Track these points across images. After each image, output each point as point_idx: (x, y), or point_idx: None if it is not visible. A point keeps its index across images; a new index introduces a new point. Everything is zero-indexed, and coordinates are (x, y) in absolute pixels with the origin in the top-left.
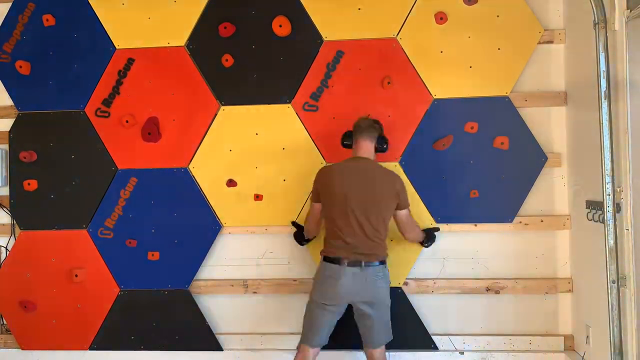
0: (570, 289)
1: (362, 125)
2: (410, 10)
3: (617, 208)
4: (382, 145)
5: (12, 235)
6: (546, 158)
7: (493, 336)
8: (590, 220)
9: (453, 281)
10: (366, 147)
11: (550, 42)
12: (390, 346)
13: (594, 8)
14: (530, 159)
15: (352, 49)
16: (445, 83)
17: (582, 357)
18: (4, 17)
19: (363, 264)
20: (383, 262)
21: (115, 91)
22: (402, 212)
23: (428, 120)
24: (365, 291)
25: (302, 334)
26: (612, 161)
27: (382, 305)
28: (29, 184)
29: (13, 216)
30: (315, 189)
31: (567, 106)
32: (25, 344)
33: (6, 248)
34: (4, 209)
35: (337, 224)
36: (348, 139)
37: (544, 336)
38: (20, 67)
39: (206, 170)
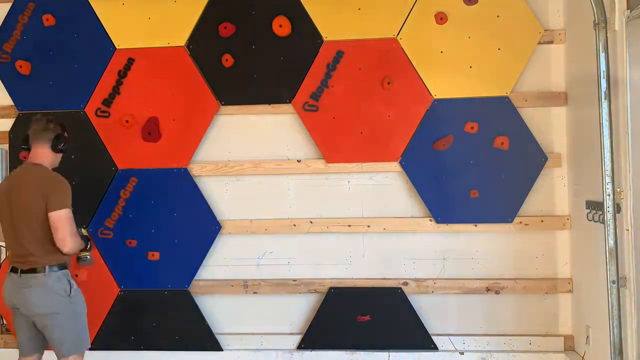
0: (570, 289)
1: (35, 129)
2: (410, 10)
3: (617, 208)
4: (57, 144)
5: None
6: (546, 158)
7: (493, 336)
8: (590, 220)
9: (453, 281)
10: (38, 153)
11: (550, 42)
12: (390, 346)
13: (594, 8)
14: (530, 159)
15: (352, 49)
16: (445, 83)
17: (582, 357)
18: (4, 17)
19: (19, 271)
20: (42, 271)
21: (115, 91)
22: (51, 214)
23: (428, 120)
24: (18, 296)
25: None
26: (612, 161)
27: (52, 315)
28: None
29: None
30: None
31: (567, 106)
32: None
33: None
34: None
35: (5, 233)
36: (25, 143)
37: (544, 336)
38: (20, 67)
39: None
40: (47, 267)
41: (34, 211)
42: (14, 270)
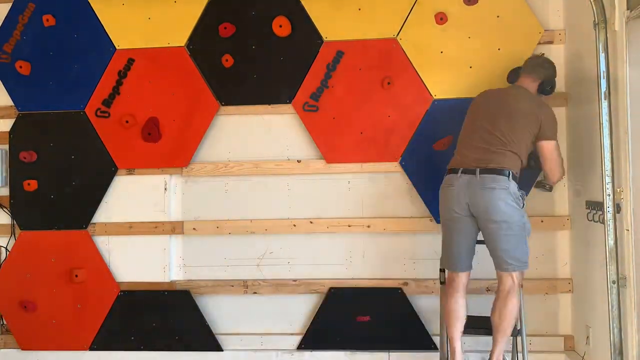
0: (570, 289)
1: (528, 63)
2: (410, 10)
3: (617, 208)
4: (546, 87)
5: (12, 235)
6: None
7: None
8: (590, 220)
9: None
10: (525, 82)
11: (550, 42)
12: (390, 346)
13: (594, 8)
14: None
15: (352, 49)
16: (445, 83)
17: (582, 357)
18: (4, 17)
19: (478, 171)
20: (505, 174)
21: (115, 91)
22: (542, 144)
23: (428, 120)
24: (476, 197)
25: (442, 257)
26: (612, 161)
27: (505, 222)
28: (29, 184)
29: (13, 216)
30: (467, 113)
31: (567, 106)
32: (25, 344)
33: (6, 248)
34: (4, 209)
35: (465, 135)
36: (514, 75)
37: (544, 336)
38: (20, 67)
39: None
40: (511, 172)
41: (529, 122)
42: (467, 171)
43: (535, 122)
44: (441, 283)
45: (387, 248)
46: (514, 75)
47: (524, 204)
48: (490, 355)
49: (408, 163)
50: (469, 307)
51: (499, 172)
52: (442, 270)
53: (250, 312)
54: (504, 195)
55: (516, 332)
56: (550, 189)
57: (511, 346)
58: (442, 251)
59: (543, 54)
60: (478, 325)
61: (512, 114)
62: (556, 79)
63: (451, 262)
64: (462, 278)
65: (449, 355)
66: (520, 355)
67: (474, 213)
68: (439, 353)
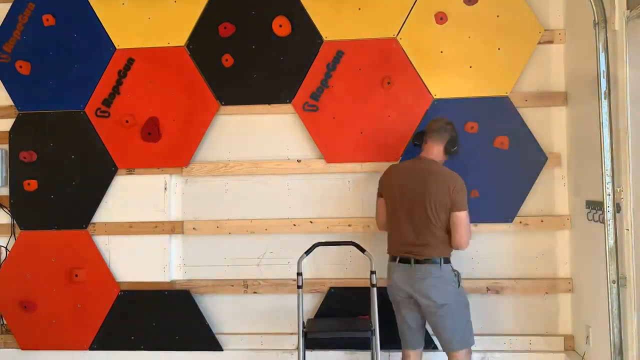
0: (570, 289)
1: (433, 127)
2: (410, 10)
3: (617, 208)
4: (451, 149)
5: (12, 235)
6: (546, 158)
7: (493, 336)
8: (590, 220)
9: None
10: (432, 149)
11: (550, 42)
12: (390, 346)
13: (594, 8)
14: (530, 159)
15: (352, 49)
16: (445, 83)
17: (582, 357)
18: (4, 17)
19: (412, 260)
20: (437, 262)
21: (115, 91)
22: (455, 215)
23: (428, 120)
24: (414, 287)
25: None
26: (612, 161)
27: (443, 306)
28: (29, 184)
29: (13, 216)
30: (379, 186)
31: (567, 106)
32: (25, 344)
33: (6, 248)
34: (4, 209)
35: (392, 222)
36: (418, 139)
37: (544, 336)
38: (20, 67)
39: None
40: (441, 258)
41: (441, 204)
42: (402, 260)
43: (448, 199)
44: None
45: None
46: (419, 139)
47: (459, 284)
48: None
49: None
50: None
51: (431, 262)
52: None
53: (250, 311)
54: (439, 282)
55: (370, 332)
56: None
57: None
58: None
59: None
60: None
61: (428, 200)
62: (458, 139)
63: (403, 339)
64: (416, 356)
65: None
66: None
67: (416, 299)
68: (439, 353)
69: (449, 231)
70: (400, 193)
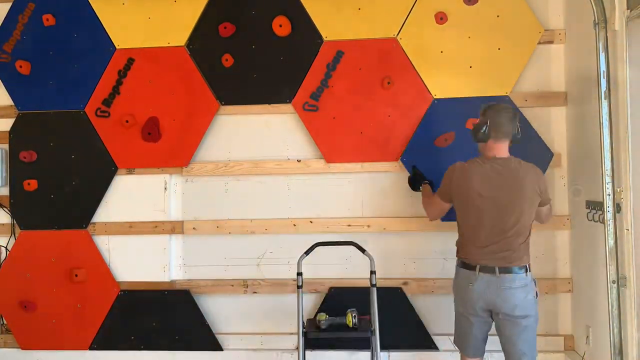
0: (570, 289)
1: (499, 127)
2: (410, 10)
3: (617, 208)
4: (518, 135)
5: (12, 235)
6: (552, 154)
7: (493, 336)
8: (590, 220)
9: None
10: (504, 148)
11: (550, 42)
12: (390, 346)
13: (594, 8)
14: (536, 156)
15: (352, 49)
16: (445, 83)
17: (582, 357)
18: (4, 17)
19: (497, 270)
20: (523, 270)
21: (115, 91)
22: (543, 208)
23: (428, 120)
24: (499, 297)
25: (455, 338)
26: (612, 161)
27: (523, 317)
28: (29, 184)
29: (13, 216)
30: (447, 188)
31: (567, 106)
32: (25, 344)
33: (6, 248)
34: (4, 209)
35: (471, 230)
36: (482, 135)
37: (544, 336)
38: (20, 67)
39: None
40: (527, 266)
41: (534, 204)
42: (485, 269)
43: (538, 199)
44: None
45: (387, 247)
46: (484, 136)
47: (537, 293)
48: None
49: (409, 161)
50: None
51: (517, 270)
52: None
53: (250, 311)
54: (524, 293)
55: (370, 332)
56: None
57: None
58: (456, 334)
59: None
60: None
61: (521, 205)
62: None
63: (468, 349)
64: None
65: None
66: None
67: (495, 311)
68: (439, 353)
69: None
70: (485, 198)
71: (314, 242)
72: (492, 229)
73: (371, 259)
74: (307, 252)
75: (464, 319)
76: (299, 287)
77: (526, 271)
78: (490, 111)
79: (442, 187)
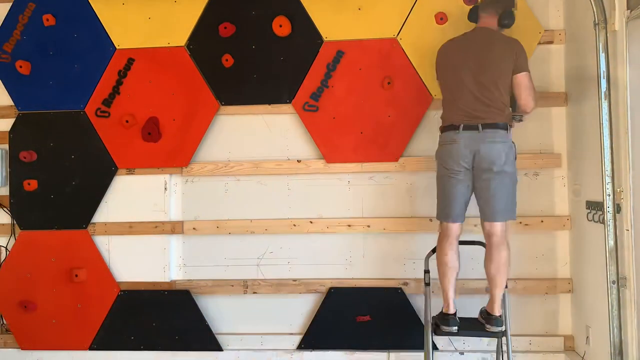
0: (570, 289)
1: (487, 0)
2: (410, 10)
3: (617, 208)
4: (504, 20)
5: (12, 235)
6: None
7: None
8: (590, 220)
9: None
10: (487, 21)
11: (550, 42)
12: (390, 346)
13: (594, 8)
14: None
15: (352, 49)
16: None
17: (582, 357)
18: (4, 17)
19: (480, 126)
20: (504, 128)
21: (115, 91)
22: (518, 77)
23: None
24: (481, 150)
25: (438, 211)
26: (612, 161)
27: (501, 173)
28: (29, 184)
29: (13, 216)
30: (436, 67)
31: (567, 106)
32: (25, 344)
33: (6, 248)
34: (4, 209)
35: (452, 94)
36: (473, 14)
37: (544, 336)
38: (20, 67)
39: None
40: (507, 125)
41: (507, 68)
42: (468, 127)
43: (511, 62)
44: (426, 284)
45: (387, 248)
46: (474, 14)
47: (515, 156)
48: (492, 309)
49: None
50: (467, 309)
51: (500, 126)
52: (426, 272)
53: (250, 312)
54: (506, 148)
55: (501, 334)
56: (521, 120)
57: (496, 347)
58: (439, 205)
59: None
60: (471, 328)
61: (492, 66)
62: (514, 10)
63: (451, 213)
64: (457, 229)
65: (443, 306)
66: (505, 355)
67: (475, 166)
68: (438, 353)
69: (508, 104)
70: (462, 62)
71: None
72: (470, 91)
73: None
74: (434, 251)
75: (448, 180)
76: (426, 284)
77: (507, 130)
78: None
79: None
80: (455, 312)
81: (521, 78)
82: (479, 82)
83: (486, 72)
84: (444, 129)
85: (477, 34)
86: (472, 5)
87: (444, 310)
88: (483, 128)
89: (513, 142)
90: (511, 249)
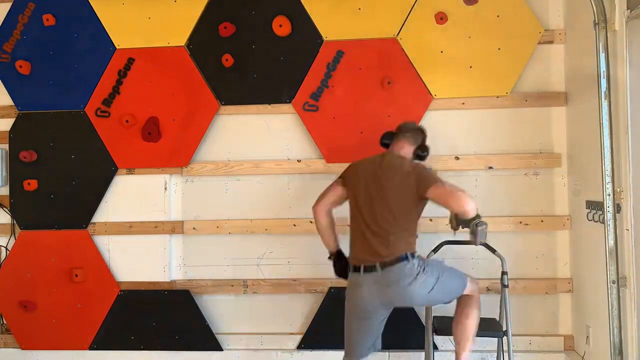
0: (570, 289)
1: (407, 127)
2: (410, 10)
3: (617, 208)
4: (421, 153)
5: (12, 235)
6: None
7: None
8: (590, 220)
9: None
10: (403, 147)
11: (550, 42)
12: (391, 346)
13: (594, 8)
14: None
15: (352, 49)
16: (445, 83)
17: (582, 357)
18: (4, 17)
19: (378, 266)
20: (407, 259)
21: (115, 91)
22: (429, 193)
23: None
24: (391, 295)
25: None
26: (612, 161)
27: (427, 297)
28: (29, 184)
29: (13, 216)
30: (343, 176)
31: (567, 106)
32: (25, 344)
33: (6, 248)
34: (4, 209)
35: (353, 230)
36: (388, 138)
37: (544, 336)
38: (20, 67)
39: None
40: (407, 254)
41: (409, 193)
42: (368, 268)
43: (412, 186)
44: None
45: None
46: (388, 138)
47: (425, 267)
48: None
49: None
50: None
51: (397, 260)
52: None
53: (250, 312)
54: (411, 281)
55: (502, 334)
56: (480, 239)
57: (497, 347)
58: (345, 337)
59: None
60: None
61: (394, 192)
62: (428, 147)
63: (355, 351)
64: None
65: None
66: (506, 355)
67: (390, 305)
68: (438, 352)
69: (416, 223)
70: (362, 194)
71: (441, 242)
72: (369, 223)
73: (502, 260)
74: (434, 251)
75: (353, 323)
76: None
77: (407, 259)
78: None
79: (341, 176)
80: None
81: (433, 192)
82: (377, 218)
83: (385, 207)
84: (352, 267)
85: (378, 163)
86: (471, 5)
87: None
88: (382, 268)
89: (421, 258)
90: (512, 249)
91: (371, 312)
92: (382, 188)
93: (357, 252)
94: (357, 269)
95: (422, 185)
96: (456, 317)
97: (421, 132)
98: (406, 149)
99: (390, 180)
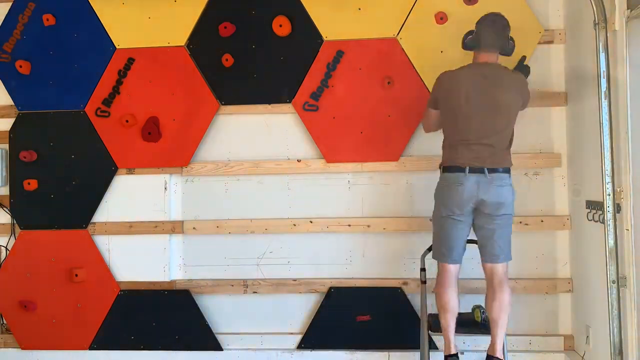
0: (570, 289)
1: (487, 36)
2: (410, 10)
3: (617, 208)
4: (506, 50)
5: (12, 235)
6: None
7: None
8: (590, 220)
9: None
10: (492, 56)
11: (550, 42)
12: (391, 346)
13: (594, 8)
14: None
15: (352, 49)
16: None
17: (582, 357)
18: (4, 17)
19: (486, 170)
20: (507, 171)
21: (115, 91)
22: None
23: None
24: (488, 194)
25: (435, 250)
26: (612, 161)
27: (504, 217)
28: (29, 183)
29: (13, 216)
30: (435, 96)
31: (567, 106)
32: (25, 344)
33: (6, 248)
34: (4, 208)
35: (457, 130)
36: (472, 43)
37: (544, 336)
38: (20, 67)
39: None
40: (510, 169)
41: (517, 110)
42: (474, 170)
43: (519, 101)
44: (422, 282)
45: (387, 248)
46: (475, 42)
47: (514, 198)
48: (494, 350)
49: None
50: (469, 308)
51: (504, 170)
52: (422, 270)
53: (250, 311)
54: (510, 191)
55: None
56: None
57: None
58: (436, 245)
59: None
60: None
61: (503, 110)
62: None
63: (451, 255)
64: (456, 270)
65: (445, 346)
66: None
67: (479, 208)
68: (438, 352)
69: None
70: (472, 100)
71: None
72: (479, 131)
73: None
74: (429, 249)
75: (449, 222)
76: (423, 282)
77: (509, 173)
78: (482, 23)
79: (431, 95)
80: (457, 353)
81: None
82: (489, 128)
83: (498, 119)
84: (446, 169)
85: (492, 74)
86: (471, 5)
87: (445, 353)
88: (489, 172)
89: (511, 185)
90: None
91: (466, 210)
92: (492, 99)
93: (461, 157)
94: (461, 170)
95: (525, 103)
96: (492, 295)
97: (504, 28)
98: (494, 57)
99: (500, 92)
